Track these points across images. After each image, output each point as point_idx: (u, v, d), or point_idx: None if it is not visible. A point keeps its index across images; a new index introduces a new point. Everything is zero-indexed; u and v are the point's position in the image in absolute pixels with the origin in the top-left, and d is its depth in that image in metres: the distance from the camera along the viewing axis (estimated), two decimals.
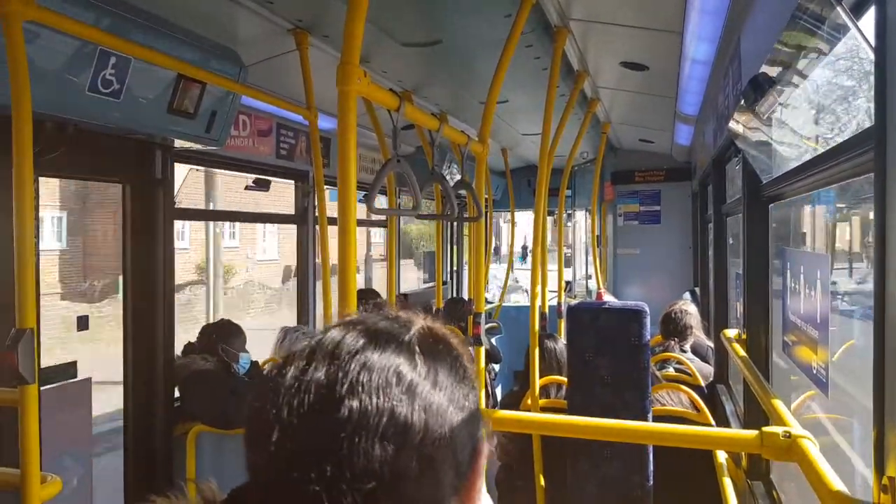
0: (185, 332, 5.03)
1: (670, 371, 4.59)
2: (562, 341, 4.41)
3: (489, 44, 3.46)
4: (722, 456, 3.17)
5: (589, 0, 3.41)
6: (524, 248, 27.46)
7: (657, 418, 3.66)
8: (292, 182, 5.48)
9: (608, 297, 6.73)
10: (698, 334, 5.13)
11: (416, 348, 0.78)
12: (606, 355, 3.57)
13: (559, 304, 6.67)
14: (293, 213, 5.60)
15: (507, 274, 9.60)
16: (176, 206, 4.04)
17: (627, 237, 8.40)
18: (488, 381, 6.08)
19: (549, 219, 7.67)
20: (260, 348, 4.58)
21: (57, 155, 3.01)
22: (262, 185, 5.08)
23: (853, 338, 2.54)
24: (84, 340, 9.47)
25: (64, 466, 3.23)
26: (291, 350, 0.81)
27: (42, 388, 2.99)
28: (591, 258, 8.46)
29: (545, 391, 4.02)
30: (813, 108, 2.20)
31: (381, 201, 6.21)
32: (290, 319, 5.60)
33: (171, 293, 3.88)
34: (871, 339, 1.28)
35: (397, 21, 3.43)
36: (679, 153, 7.61)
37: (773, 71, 2.22)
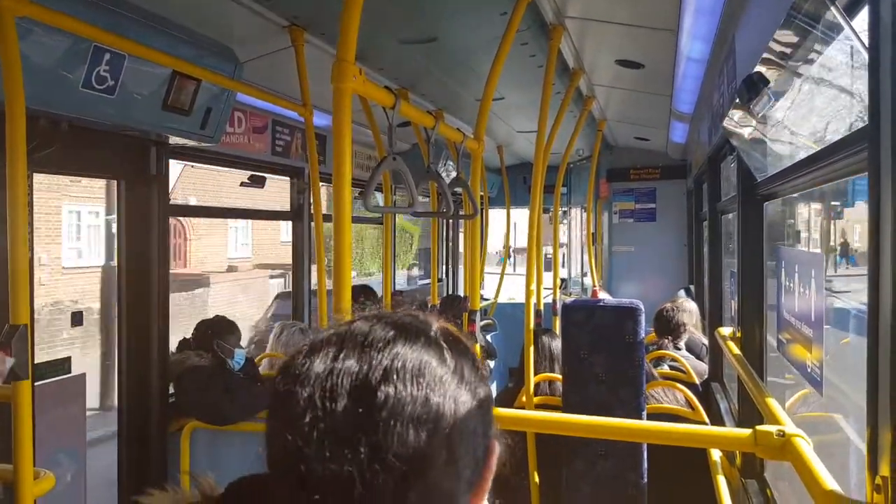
0: None
1: (665, 369, 4.61)
2: (558, 337, 4.42)
3: (485, 41, 3.46)
4: (716, 454, 3.18)
5: None
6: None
7: (652, 416, 3.67)
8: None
9: (603, 295, 6.73)
10: (693, 332, 5.13)
11: (443, 343, 0.81)
12: (601, 353, 3.58)
13: (554, 301, 6.67)
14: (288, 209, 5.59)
15: (503, 270, 9.60)
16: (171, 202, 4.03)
17: (623, 234, 8.41)
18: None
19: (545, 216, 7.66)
20: None
21: (51, 151, 3.00)
22: (257, 182, 5.06)
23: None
24: None
25: (58, 462, 3.22)
26: (295, 346, 0.82)
27: (36, 384, 2.99)
28: (586, 256, 8.46)
29: (539, 387, 4.03)
30: (807, 107, 2.20)
31: (377, 198, 6.20)
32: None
33: (166, 289, 3.88)
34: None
35: (393, 18, 3.42)
36: (674, 151, 7.61)
37: (767, 70, 2.22)
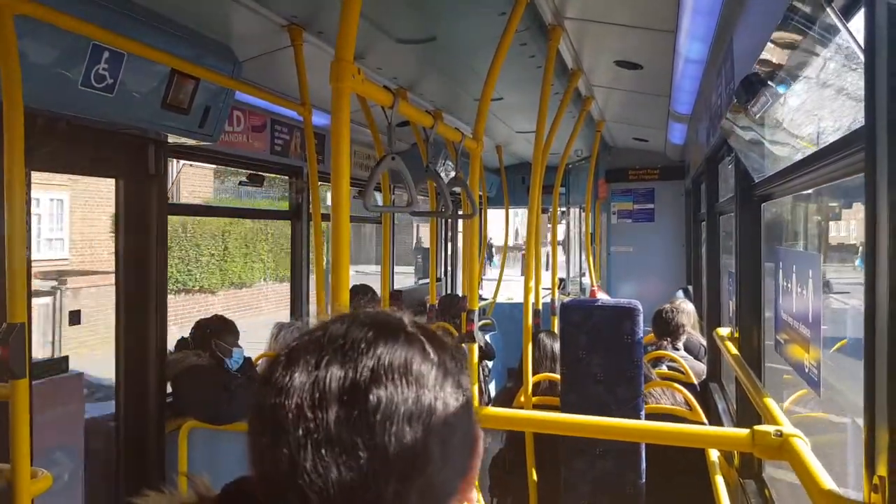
0: None
1: (663, 369, 4.61)
2: (556, 337, 4.42)
3: (484, 41, 3.46)
4: (714, 454, 3.19)
5: None
6: (490, 247, 26.66)
7: (650, 416, 3.67)
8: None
9: (601, 295, 6.73)
10: (691, 332, 5.14)
11: (422, 338, 0.81)
12: (599, 353, 3.58)
13: (553, 301, 6.67)
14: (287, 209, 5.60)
15: (501, 270, 9.60)
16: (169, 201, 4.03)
17: (621, 235, 8.41)
18: (482, 377, 6.08)
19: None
20: None
21: (50, 149, 3.00)
22: (255, 181, 5.07)
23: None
24: None
25: (55, 461, 3.22)
26: (286, 345, 0.81)
27: (34, 383, 2.99)
28: (584, 256, 8.47)
29: (538, 387, 4.03)
30: (804, 108, 2.20)
31: (375, 198, 6.20)
32: None
33: (165, 288, 3.87)
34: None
35: (392, 18, 3.43)
36: (672, 152, 7.62)
37: (765, 71, 2.23)
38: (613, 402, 3.54)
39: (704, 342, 5.10)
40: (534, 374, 3.96)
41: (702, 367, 4.80)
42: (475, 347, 3.51)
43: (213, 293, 16.42)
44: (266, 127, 4.89)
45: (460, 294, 7.73)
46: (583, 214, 8.63)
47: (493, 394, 6.69)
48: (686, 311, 5.06)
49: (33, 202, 3.04)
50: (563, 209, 9.85)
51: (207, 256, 16.50)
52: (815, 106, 2.04)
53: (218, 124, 3.75)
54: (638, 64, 4.30)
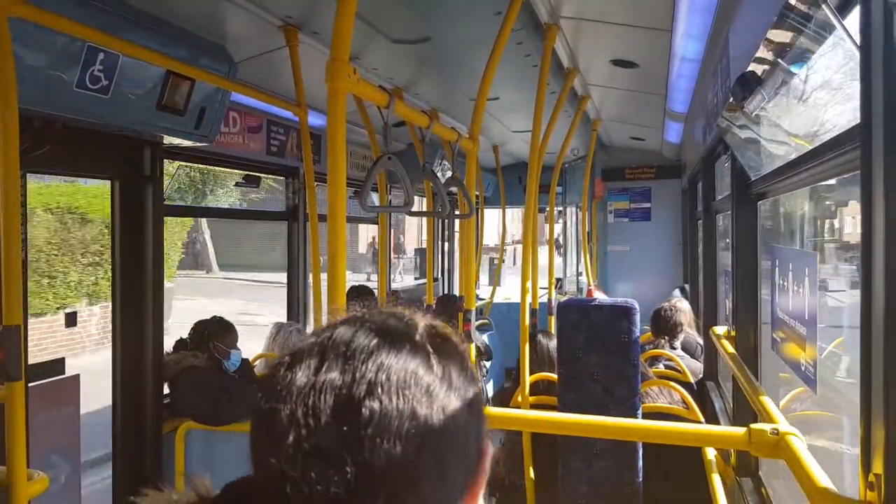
0: None
1: (660, 368, 4.61)
2: (554, 337, 4.42)
3: (479, 41, 3.46)
4: (711, 453, 3.19)
5: None
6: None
7: (647, 415, 3.67)
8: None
9: (598, 294, 6.74)
10: (688, 331, 5.15)
11: (430, 348, 0.78)
12: (597, 352, 3.58)
13: (550, 300, 6.68)
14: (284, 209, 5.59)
15: (498, 270, 9.61)
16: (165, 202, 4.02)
17: (618, 234, 8.42)
18: (479, 377, 6.08)
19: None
20: None
21: (45, 151, 2.99)
22: (252, 182, 5.06)
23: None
24: None
25: (52, 464, 3.21)
26: (291, 346, 0.80)
27: (30, 385, 2.99)
28: (581, 255, 8.48)
29: (535, 386, 4.03)
30: (800, 106, 2.20)
31: (372, 198, 6.20)
32: None
33: (161, 289, 3.87)
34: None
35: (387, 18, 3.42)
36: (669, 150, 7.63)
37: (760, 69, 2.23)
38: (611, 401, 3.54)
39: (701, 341, 5.11)
40: (531, 373, 3.96)
41: (698, 365, 4.81)
42: (473, 348, 3.51)
43: None
44: (262, 128, 4.89)
45: (457, 294, 7.74)
46: (579, 214, 8.64)
47: (490, 393, 6.70)
48: (683, 309, 5.07)
49: None
50: (560, 208, 9.86)
51: None
52: (810, 104, 2.05)
53: (214, 125, 3.74)
54: (634, 63, 4.31)
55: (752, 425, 1.88)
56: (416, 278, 10.59)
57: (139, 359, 3.77)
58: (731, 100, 2.52)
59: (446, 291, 9.39)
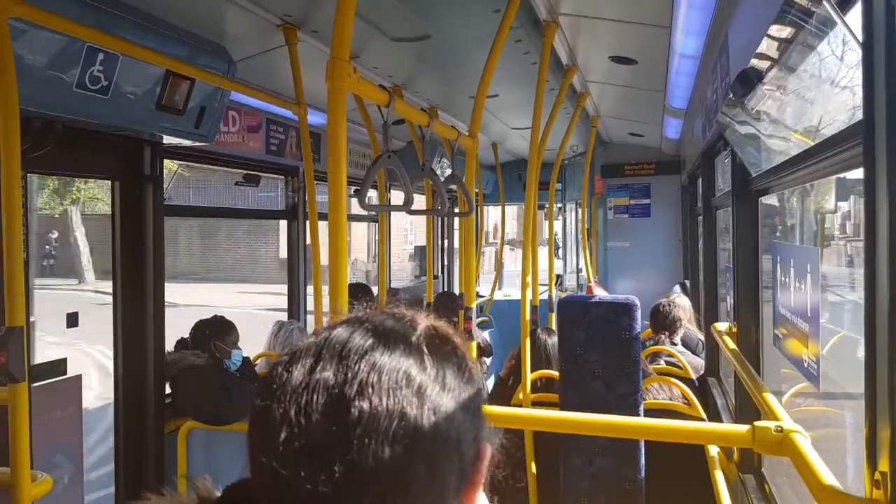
0: None
1: (661, 364, 4.61)
2: (554, 334, 4.42)
3: (478, 38, 3.46)
4: (713, 450, 3.19)
5: None
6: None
7: (648, 412, 3.67)
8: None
9: (599, 291, 6.74)
10: (688, 327, 5.15)
11: (425, 349, 0.78)
12: (597, 349, 3.58)
13: (550, 297, 6.68)
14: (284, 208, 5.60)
15: (498, 267, 9.61)
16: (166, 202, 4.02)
17: (617, 230, 8.42)
18: (481, 376, 6.08)
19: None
20: None
21: (45, 152, 2.99)
22: (251, 181, 5.06)
23: None
24: None
25: (55, 464, 3.21)
26: (292, 345, 0.80)
27: (33, 386, 2.99)
28: (581, 252, 8.47)
29: (537, 384, 4.03)
30: (801, 102, 2.20)
31: (372, 197, 6.20)
32: None
33: (162, 289, 3.87)
34: None
35: (386, 16, 3.42)
36: (668, 147, 7.62)
37: (760, 65, 2.22)
38: (612, 398, 3.54)
39: (702, 337, 5.10)
40: (532, 371, 3.95)
41: (700, 361, 4.80)
42: (473, 345, 3.50)
43: None
44: (262, 127, 4.89)
45: (457, 292, 7.74)
46: (579, 210, 8.64)
47: (489, 390, 6.70)
48: (682, 305, 5.07)
49: None
50: (560, 205, 9.86)
51: None
52: (811, 100, 2.04)
53: (213, 125, 3.74)
54: (633, 59, 4.30)
55: (756, 423, 1.87)
56: (416, 276, 10.58)
57: (141, 358, 3.77)
58: (730, 96, 2.52)
59: (446, 289, 9.39)
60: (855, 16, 1.36)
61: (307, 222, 4.50)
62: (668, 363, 4.63)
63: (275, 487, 0.70)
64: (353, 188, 4.97)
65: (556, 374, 3.93)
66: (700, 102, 4.34)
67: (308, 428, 0.69)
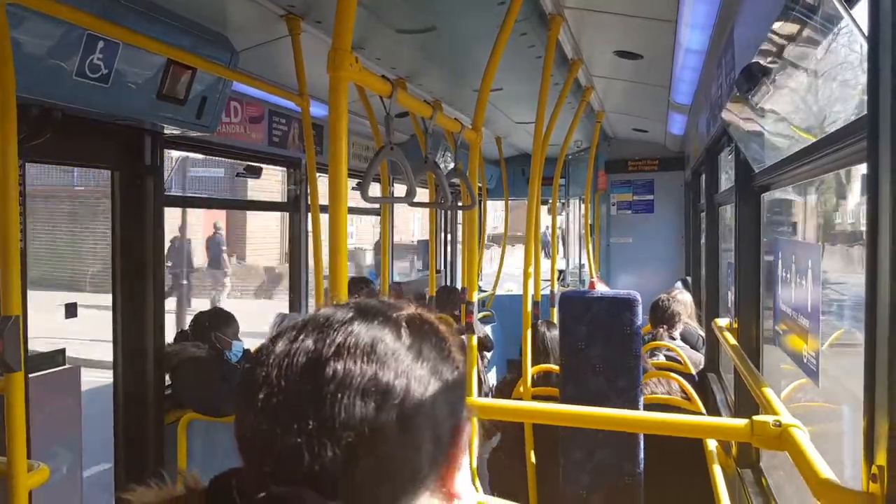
0: None
1: (661, 359, 4.61)
2: (556, 328, 4.42)
3: (483, 31, 3.44)
4: (712, 444, 3.19)
5: None
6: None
7: (648, 406, 3.67)
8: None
9: (601, 286, 6.74)
10: (688, 322, 5.15)
11: (403, 324, 0.82)
12: (599, 343, 3.58)
13: (552, 292, 6.67)
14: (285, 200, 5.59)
15: (501, 262, 9.59)
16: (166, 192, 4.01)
17: (620, 226, 8.41)
18: (481, 368, 6.09)
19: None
20: None
21: (43, 141, 2.97)
22: (253, 172, 5.05)
23: None
24: None
25: (53, 455, 3.21)
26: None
27: (31, 376, 2.98)
28: (584, 247, 8.47)
29: (537, 378, 4.03)
30: (806, 98, 2.18)
31: (374, 189, 6.18)
32: None
33: (162, 280, 3.87)
34: None
35: (391, 7, 3.40)
36: (672, 142, 7.60)
37: (766, 60, 2.21)
38: (612, 392, 3.54)
39: (702, 332, 5.10)
40: (533, 364, 3.95)
41: (699, 356, 4.80)
42: (474, 339, 3.50)
43: None
44: (264, 118, 4.87)
45: (459, 286, 7.74)
46: (582, 206, 8.62)
47: (493, 383, 6.71)
48: (682, 300, 5.07)
49: None
50: (563, 201, 9.84)
51: None
52: (816, 95, 2.03)
53: (215, 115, 3.72)
54: (638, 54, 4.28)
55: (755, 417, 1.87)
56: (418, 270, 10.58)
57: (140, 349, 3.76)
58: (735, 91, 2.50)
59: (448, 283, 9.39)
60: (861, 9, 1.35)
61: (309, 214, 4.50)
62: (667, 357, 4.63)
63: (254, 446, 0.75)
64: (356, 180, 4.97)
65: (556, 368, 3.93)
66: (705, 98, 4.32)
67: (286, 387, 0.74)
